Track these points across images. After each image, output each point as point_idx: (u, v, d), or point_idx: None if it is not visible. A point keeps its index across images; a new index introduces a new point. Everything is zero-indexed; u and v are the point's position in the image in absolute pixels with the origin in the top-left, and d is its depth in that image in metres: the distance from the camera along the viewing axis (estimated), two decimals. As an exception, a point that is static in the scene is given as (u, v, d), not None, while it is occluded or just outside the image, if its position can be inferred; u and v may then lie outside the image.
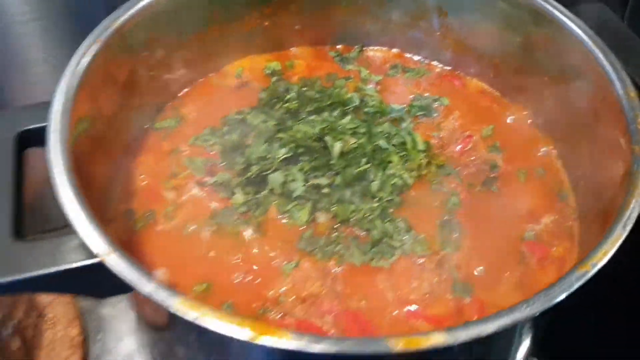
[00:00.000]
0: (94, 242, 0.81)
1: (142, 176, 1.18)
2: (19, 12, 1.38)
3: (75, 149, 0.99)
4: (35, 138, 1.03)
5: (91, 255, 0.83)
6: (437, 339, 0.71)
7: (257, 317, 0.98)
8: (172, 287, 0.93)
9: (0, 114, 1.08)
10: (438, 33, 1.35)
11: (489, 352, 0.85)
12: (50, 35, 1.46)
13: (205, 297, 0.99)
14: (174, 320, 0.82)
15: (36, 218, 1.60)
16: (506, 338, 0.80)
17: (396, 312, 1.00)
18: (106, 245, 0.80)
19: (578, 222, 1.14)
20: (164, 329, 0.94)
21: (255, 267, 1.04)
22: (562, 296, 0.76)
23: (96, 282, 0.86)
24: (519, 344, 0.85)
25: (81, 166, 1.00)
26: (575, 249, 1.10)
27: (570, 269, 0.79)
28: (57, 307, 1.44)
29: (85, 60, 1.05)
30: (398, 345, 0.70)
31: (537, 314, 0.74)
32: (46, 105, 1.00)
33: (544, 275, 1.07)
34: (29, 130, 1.06)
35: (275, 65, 1.39)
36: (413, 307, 1.00)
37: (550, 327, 1.00)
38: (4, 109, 1.11)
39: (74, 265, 0.86)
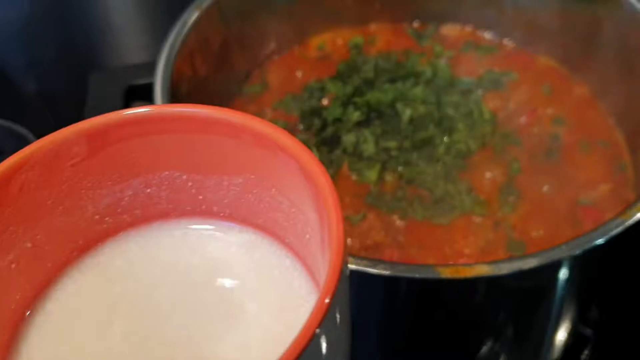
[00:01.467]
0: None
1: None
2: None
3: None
4: (142, 93, 1.19)
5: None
6: (481, 269, 0.80)
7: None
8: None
9: (112, 70, 1.23)
10: (509, 12, 1.41)
11: (532, 287, 0.92)
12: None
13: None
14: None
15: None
16: (547, 275, 0.87)
17: (451, 263, 1.09)
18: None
19: (635, 193, 1.18)
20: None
21: (325, 215, 1.15)
22: (600, 240, 0.83)
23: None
24: (561, 283, 0.92)
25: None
26: (629, 217, 1.15)
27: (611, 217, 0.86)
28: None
29: (186, 27, 1.20)
30: (445, 272, 0.80)
31: (576, 254, 0.82)
32: (151, 65, 1.16)
33: (597, 239, 1.13)
34: (137, 85, 1.22)
35: (358, 39, 1.50)
36: (467, 259, 1.09)
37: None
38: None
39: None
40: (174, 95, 1.14)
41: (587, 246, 0.82)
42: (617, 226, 0.84)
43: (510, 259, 0.82)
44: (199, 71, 1.26)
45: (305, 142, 1.24)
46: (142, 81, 1.20)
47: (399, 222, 1.15)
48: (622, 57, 1.25)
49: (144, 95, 1.13)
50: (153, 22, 1.61)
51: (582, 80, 1.37)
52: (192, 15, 1.21)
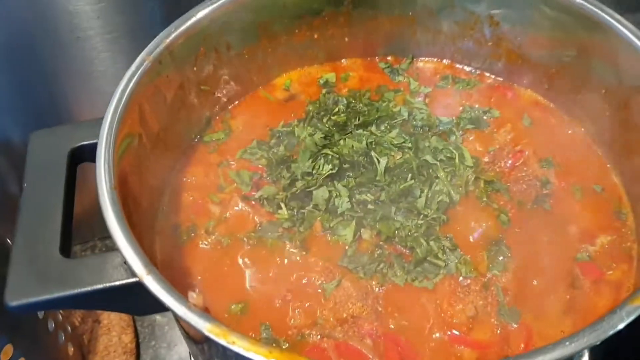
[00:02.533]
0: (134, 263, 0.83)
1: (189, 190, 1.19)
2: (88, 27, 1.41)
3: (124, 166, 1.01)
4: (89, 154, 1.06)
5: (133, 274, 0.84)
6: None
7: (294, 340, 0.97)
8: (207, 306, 0.96)
9: (55, 130, 1.10)
10: (490, 43, 1.31)
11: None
12: (113, 48, 1.50)
13: (241, 318, 1.00)
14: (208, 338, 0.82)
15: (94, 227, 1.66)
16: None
17: (438, 335, 0.98)
18: (144, 266, 0.82)
19: (637, 243, 1.08)
20: (202, 343, 0.95)
21: (296, 285, 1.03)
22: (611, 332, 0.72)
23: (137, 300, 0.88)
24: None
25: (129, 181, 1.03)
26: (634, 272, 1.04)
27: (623, 300, 0.75)
28: (112, 314, 1.48)
29: (136, 78, 1.08)
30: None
31: (583, 350, 0.71)
32: (98, 123, 1.03)
33: (599, 299, 1.02)
34: (83, 146, 1.10)
35: (330, 76, 1.39)
36: (456, 332, 0.98)
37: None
38: (63, 123, 1.14)
39: (117, 283, 0.89)
40: (122, 156, 1.02)
41: (593, 342, 0.71)
42: (629, 314, 0.73)
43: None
44: (151, 124, 1.14)
45: (274, 197, 1.14)
46: (91, 141, 1.07)
47: (378, 289, 1.03)
48: (614, 90, 1.15)
49: (93, 157, 1.00)
50: (112, 67, 1.48)
51: (570, 115, 1.27)
52: (140, 66, 1.09)
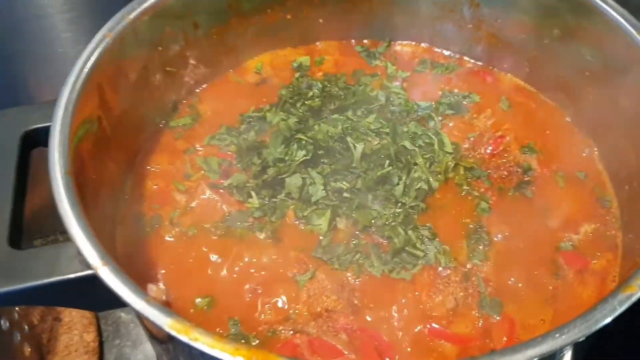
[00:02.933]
0: (89, 253, 0.76)
1: (154, 177, 1.12)
2: (48, 5, 1.33)
3: (81, 150, 0.94)
4: (44, 138, 0.98)
5: (88, 266, 0.78)
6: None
7: (265, 335, 0.91)
8: (170, 301, 0.89)
9: (6, 112, 1.03)
10: (470, 25, 1.26)
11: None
12: (73, 28, 1.42)
13: (207, 313, 0.94)
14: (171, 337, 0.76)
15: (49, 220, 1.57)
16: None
17: (418, 328, 0.93)
18: (99, 257, 0.75)
19: (622, 231, 1.04)
20: (166, 342, 0.89)
21: (267, 278, 0.97)
22: (604, 322, 0.67)
23: (94, 295, 0.81)
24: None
25: (88, 168, 0.96)
26: (618, 261, 1.01)
27: (613, 289, 0.70)
28: (73, 311, 1.40)
29: (95, 56, 1.00)
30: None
31: (569, 345, 0.66)
32: (51, 105, 0.96)
33: (583, 289, 0.98)
34: (36, 129, 1.02)
35: (304, 60, 1.32)
36: (436, 325, 0.93)
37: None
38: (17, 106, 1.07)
39: (71, 276, 0.82)
40: (80, 141, 0.95)
41: (580, 335, 0.66)
42: (620, 303, 0.68)
43: (491, 354, 0.65)
44: (114, 106, 1.06)
45: (244, 185, 1.07)
46: (44, 124, 0.99)
47: (354, 281, 0.98)
48: (599, 73, 1.10)
49: (47, 140, 0.93)
50: (71, 48, 1.40)
51: (552, 100, 1.22)
52: (101, 43, 1.02)
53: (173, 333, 0.66)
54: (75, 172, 0.88)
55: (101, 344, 1.42)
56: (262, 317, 0.94)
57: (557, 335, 0.66)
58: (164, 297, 0.82)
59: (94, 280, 0.76)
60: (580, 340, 0.67)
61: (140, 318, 0.95)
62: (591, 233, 1.03)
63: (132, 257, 1.00)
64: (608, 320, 0.68)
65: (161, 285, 0.91)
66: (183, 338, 0.65)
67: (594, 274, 0.99)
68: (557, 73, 1.18)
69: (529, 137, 1.17)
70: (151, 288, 0.77)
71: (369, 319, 0.94)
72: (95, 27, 1.08)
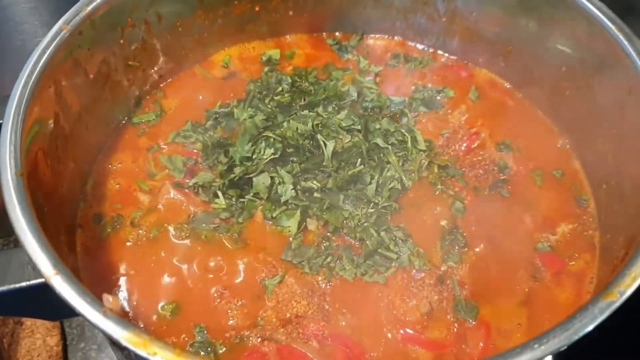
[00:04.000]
0: (40, 261, 0.71)
1: (116, 176, 1.07)
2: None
3: (34, 150, 0.89)
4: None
5: (39, 274, 0.72)
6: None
7: (232, 343, 0.87)
8: (132, 309, 0.84)
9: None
10: (444, 19, 1.22)
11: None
12: (33, 19, 1.36)
13: (171, 319, 0.89)
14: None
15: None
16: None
17: (390, 334, 0.89)
18: (52, 266, 0.70)
19: (599, 231, 1.01)
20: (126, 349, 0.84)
21: (233, 282, 0.93)
22: (580, 334, 0.64)
23: (47, 304, 0.76)
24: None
25: (41, 169, 0.90)
26: (596, 263, 0.98)
27: (593, 297, 0.68)
28: (33, 315, 1.34)
29: (51, 50, 0.95)
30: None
31: (554, 352, 0.63)
32: (6, 100, 0.90)
33: (560, 292, 0.95)
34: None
35: (274, 53, 1.27)
36: (410, 330, 0.89)
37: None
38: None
39: (22, 284, 0.76)
40: (34, 140, 0.89)
41: (561, 345, 0.63)
42: (601, 311, 0.65)
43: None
44: (72, 103, 1.01)
45: (209, 185, 1.02)
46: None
47: (325, 285, 0.94)
48: (576, 69, 1.08)
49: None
50: (29, 38, 1.33)
51: (528, 96, 1.19)
52: (57, 36, 0.96)
53: (130, 347, 0.62)
54: (28, 173, 0.83)
55: (65, 348, 1.36)
56: (230, 322, 0.89)
57: (535, 345, 0.63)
58: (121, 307, 0.77)
59: (48, 290, 0.71)
60: (560, 349, 0.63)
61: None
62: (568, 233, 1.01)
63: (92, 261, 0.95)
64: (588, 329, 0.66)
65: (120, 293, 0.86)
66: (141, 352, 0.61)
67: (572, 275, 0.97)
68: (533, 68, 1.16)
69: (504, 134, 1.14)
70: (107, 299, 0.72)
71: (341, 324, 0.90)
72: (54, 18, 1.02)
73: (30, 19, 1.32)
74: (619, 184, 0.99)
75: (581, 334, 0.65)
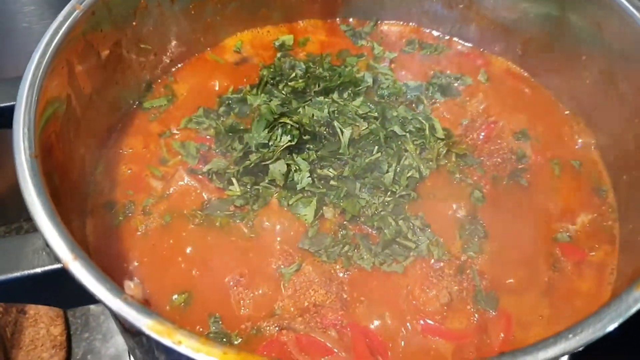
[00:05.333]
0: (58, 246, 0.69)
1: (127, 162, 1.05)
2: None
3: (48, 132, 0.86)
4: (6, 119, 0.89)
5: (56, 259, 0.70)
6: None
7: (248, 333, 0.85)
8: (146, 298, 0.82)
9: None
10: (460, 5, 1.20)
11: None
12: (38, 1, 1.33)
13: (185, 309, 0.87)
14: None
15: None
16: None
17: (410, 325, 0.88)
18: (69, 250, 0.68)
19: (620, 222, 1.00)
20: (139, 335, 0.82)
21: (249, 271, 0.91)
22: (613, 325, 0.63)
23: (63, 291, 0.74)
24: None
25: (54, 152, 0.88)
26: (617, 253, 0.97)
27: (626, 288, 0.66)
28: (39, 302, 1.32)
29: (64, 30, 0.92)
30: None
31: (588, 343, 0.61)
32: (15, 82, 0.87)
33: (582, 282, 0.94)
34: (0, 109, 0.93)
35: (287, 38, 1.25)
36: (430, 321, 0.88)
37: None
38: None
39: (37, 270, 0.74)
40: (47, 122, 0.87)
41: (587, 340, 0.61)
42: (635, 302, 0.63)
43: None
44: (84, 85, 0.99)
45: (224, 172, 1.01)
46: (7, 103, 0.90)
47: (342, 274, 0.92)
48: (597, 57, 1.06)
49: (9, 122, 0.84)
50: (35, 21, 1.30)
51: (546, 85, 1.18)
52: (69, 16, 0.93)
53: (154, 335, 0.60)
54: (43, 155, 0.80)
55: (69, 338, 1.34)
56: (245, 312, 0.87)
57: (570, 335, 0.61)
58: (141, 295, 0.75)
59: (63, 276, 0.69)
60: (594, 339, 0.62)
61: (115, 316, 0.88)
62: (588, 224, 0.99)
63: (104, 248, 0.94)
64: (623, 318, 0.64)
65: (137, 281, 0.84)
66: (165, 341, 0.59)
67: (592, 266, 0.95)
68: (552, 56, 1.14)
69: (522, 123, 1.12)
70: (128, 285, 0.70)
71: (359, 314, 0.88)
72: (63, 0, 0.99)
73: (36, 0, 1.29)
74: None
75: (616, 323, 0.63)
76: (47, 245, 0.70)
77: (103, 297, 0.65)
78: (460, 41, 1.26)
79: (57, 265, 0.72)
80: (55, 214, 0.71)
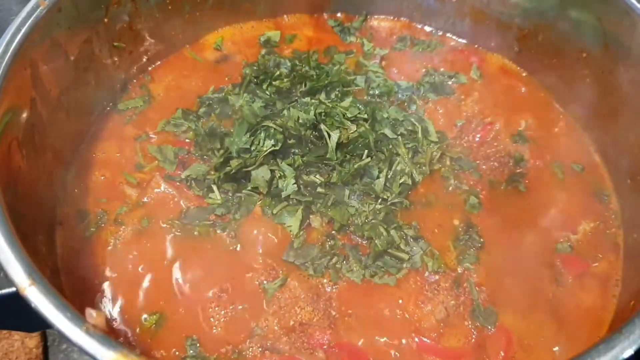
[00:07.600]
0: (13, 269, 0.62)
1: (100, 167, 0.98)
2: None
3: (7, 140, 0.80)
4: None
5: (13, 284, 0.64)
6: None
7: (229, 358, 0.79)
8: (113, 327, 0.76)
9: None
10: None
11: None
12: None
13: (157, 332, 0.80)
14: None
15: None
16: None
17: (404, 343, 0.82)
18: (26, 274, 0.61)
19: (623, 229, 0.94)
20: None
21: (229, 286, 0.85)
22: (623, 356, 0.57)
23: (20, 315, 0.67)
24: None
25: (15, 161, 0.81)
26: (621, 263, 0.91)
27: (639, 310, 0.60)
28: (11, 314, 1.26)
29: (26, 29, 0.85)
30: None
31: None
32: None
33: (586, 296, 0.88)
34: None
35: (273, 35, 1.18)
36: (425, 339, 0.82)
37: None
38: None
39: (-7, 293, 0.67)
40: (7, 128, 0.80)
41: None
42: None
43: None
44: (49, 87, 0.92)
45: (203, 178, 0.94)
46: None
47: (330, 288, 0.86)
48: (598, 54, 1.00)
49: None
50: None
51: (544, 83, 1.12)
52: (32, 13, 0.86)
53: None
54: (0, 163, 0.73)
55: (46, 350, 1.28)
56: (224, 332, 0.81)
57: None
58: (106, 322, 0.68)
59: (21, 300, 0.63)
60: None
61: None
62: (590, 232, 0.94)
63: (74, 263, 0.87)
64: (635, 347, 0.58)
65: (104, 299, 0.77)
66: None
67: (595, 277, 0.90)
68: (550, 53, 1.08)
69: (519, 124, 1.06)
70: (90, 313, 0.63)
71: (349, 332, 0.82)
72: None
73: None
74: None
75: (631, 350, 0.57)
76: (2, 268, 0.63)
77: (62, 326, 0.58)
78: (454, 37, 1.20)
79: (10, 290, 0.65)
80: (12, 233, 0.65)
